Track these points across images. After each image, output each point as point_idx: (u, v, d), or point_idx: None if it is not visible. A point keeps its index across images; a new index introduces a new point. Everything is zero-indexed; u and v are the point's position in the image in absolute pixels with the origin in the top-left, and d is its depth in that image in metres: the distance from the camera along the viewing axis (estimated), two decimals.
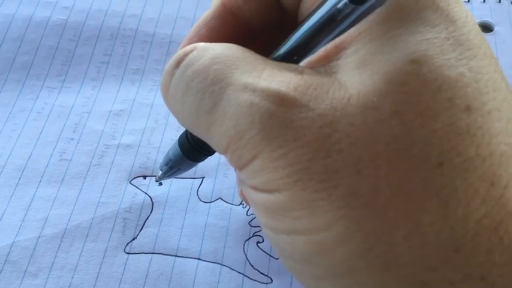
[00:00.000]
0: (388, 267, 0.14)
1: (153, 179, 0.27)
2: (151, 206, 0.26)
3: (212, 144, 0.17)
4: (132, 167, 0.27)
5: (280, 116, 0.14)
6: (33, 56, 0.31)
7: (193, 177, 0.27)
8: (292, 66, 0.16)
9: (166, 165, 0.23)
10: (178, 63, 0.17)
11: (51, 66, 0.30)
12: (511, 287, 0.13)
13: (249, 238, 0.25)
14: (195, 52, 0.16)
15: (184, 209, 0.26)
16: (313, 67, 0.15)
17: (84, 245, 0.24)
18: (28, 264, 0.23)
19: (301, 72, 0.15)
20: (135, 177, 0.27)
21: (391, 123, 0.14)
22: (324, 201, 0.14)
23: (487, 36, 0.33)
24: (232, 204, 0.26)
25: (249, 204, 0.25)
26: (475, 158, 0.13)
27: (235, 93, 0.15)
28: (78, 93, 0.29)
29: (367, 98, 0.14)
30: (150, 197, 0.26)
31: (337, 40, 0.15)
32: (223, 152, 0.16)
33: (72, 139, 0.28)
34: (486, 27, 0.34)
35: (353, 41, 0.15)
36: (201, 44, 0.17)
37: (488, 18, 0.34)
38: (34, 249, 0.24)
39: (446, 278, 0.13)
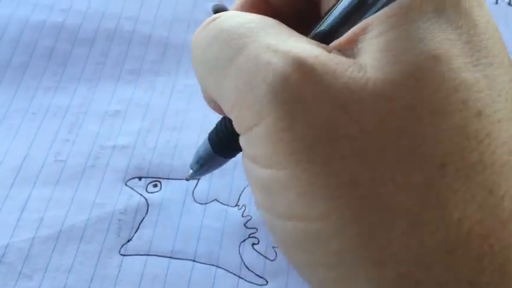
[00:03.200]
0: (383, 263, 0.14)
1: (148, 180, 0.27)
2: (146, 207, 0.26)
3: (221, 101, 0.16)
4: (128, 168, 0.27)
5: (294, 81, 0.14)
6: (30, 57, 0.31)
7: None
8: (322, 44, 0.15)
9: (197, 163, 0.23)
10: (213, 20, 0.17)
11: (47, 67, 0.30)
12: None
13: (245, 240, 0.25)
14: (231, 12, 0.16)
15: (179, 210, 0.26)
16: (341, 50, 0.15)
17: (79, 246, 0.24)
18: (23, 266, 0.23)
19: (327, 49, 0.15)
20: (130, 179, 0.27)
21: (403, 117, 0.13)
22: (324, 188, 0.13)
23: None
24: (227, 205, 0.26)
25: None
26: (478, 164, 0.13)
27: (257, 49, 0.15)
28: (74, 93, 0.29)
29: (383, 86, 0.13)
30: (145, 198, 0.26)
31: (364, 22, 0.15)
32: (230, 112, 0.16)
33: (68, 140, 0.27)
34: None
35: (380, 24, 0.15)
36: (236, 11, 0.17)
37: None
38: (29, 250, 0.24)
39: (439, 277, 0.13)
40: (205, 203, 0.26)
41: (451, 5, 0.15)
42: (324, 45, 0.15)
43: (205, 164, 0.22)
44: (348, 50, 0.15)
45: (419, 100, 0.13)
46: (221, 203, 0.26)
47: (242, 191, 0.27)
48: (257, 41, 0.15)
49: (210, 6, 0.35)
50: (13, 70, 0.30)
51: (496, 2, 0.35)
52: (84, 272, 0.23)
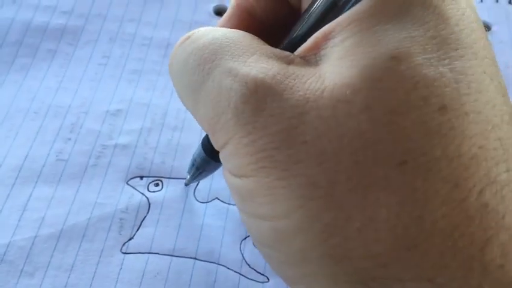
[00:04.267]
0: (341, 259, 0.14)
1: (150, 179, 0.27)
2: (148, 206, 0.26)
3: (198, 122, 0.17)
4: (129, 167, 0.27)
5: (253, 102, 0.15)
6: (32, 59, 0.31)
7: None
8: (286, 54, 0.16)
9: (193, 167, 0.23)
10: (186, 38, 0.17)
11: (49, 68, 0.31)
12: None
13: (246, 238, 0.25)
14: (201, 31, 0.17)
15: (181, 209, 0.26)
16: (305, 56, 0.16)
17: (80, 245, 0.24)
18: (24, 264, 0.23)
19: (289, 61, 0.15)
20: (132, 178, 0.27)
21: (359, 118, 0.14)
22: (285, 189, 0.14)
23: None
24: (229, 204, 0.26)
25: None
26: (441, 158, 0.13)
27: (220, 75, 0.16)
28: (76, 93, 0.30)
29: (341, 91, 0.14)
30: (146, 197, 0.26)
31: (326, 27, 0.15)
32: (207, 132, 0.17)
33: (69, 139, 0.28)
34: (483, 27, 0.34)
35: (342, 30, 0.15)
36: (210, 27, 0.17)
37: (485, 18, 0.34)
38: (30, 248, 0.24)
39: (396, 275, 0.13)
40: (207, 202, 0.26)
41: (418, 3, 0.15)
42: (288, 54, 0.16)
43: (200, 167, 0.23)
44: (311, 57, 0.15)
45: (377, 101, 0.14)
46: (222, 202, 0.26)
47: None
48: (220, 65, 0.16)
49: (211, 7, 0.35)
50: (15, 71, 0.30)
51: (497, 1, 0.35)
52: (86, 270, 0.23)
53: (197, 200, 0.26)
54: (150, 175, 0.27)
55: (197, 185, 0.27)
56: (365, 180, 0.13)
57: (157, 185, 0.27)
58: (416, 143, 0.13)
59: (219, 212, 0.26)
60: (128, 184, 0.26)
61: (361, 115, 0.13)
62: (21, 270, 0.23)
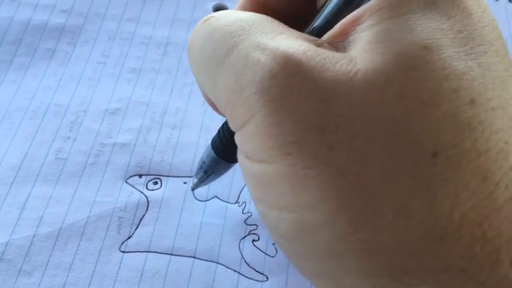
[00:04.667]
0: (371, 251, 0.14)
1: (149, 177, 0.27)
2: (146, 204, 0.26)
3: (216, 99, 0.16)
4: (128, 165, 0.27)
5: (281, 78, 0.14)
6: (31, 58, 0.31)
7: (189, 175, 0.27)
8: (313, 38, 0.15)
9: (201, 170, 0.23)
10: (207, 19, 0.17)
11: (48, 67, 0.31)
12: (490, 280, 0.13)
13: (245, 236, 0.25)
14: (224, 12, 0.17)
15: (179, 207, 0.26)
16: (332, 42, 0.15)
17: (79, 244, 0.24)
18: (23, 263, 0.23)
19: (318, 44, 0.15)
20: (130, 176, 0.27)
21: (393, 107, 0.13)
22: (313, 179, 0.14)
23: None
24: (228, 202, 0.26)
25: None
26: (471, 151, 0.13)
27: (247, 48, 0.15)
28: (75, 92, 0.30)
29: (374, 77, 0.14)
30: (145, 195, 0.26)
31: (355, 13, 0.15)
32: (224, 110, 0.16)
33: (68, 138, 0.28)
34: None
35: (371, 16, 0.15)
36: (231, 10, 0.17)
37: None
38: (29, 247, 0.24)
39: (427, 266, 0.13)
40: (206, 200, 0.26)
41: None
42: (315, 38, 0.15)
43: (209, 170, 0.22)
44: (339, 43, 0.15)
45: (409, 90, 0.13)
46: (221, 200, 0.26)
47: (242, 188, 0.27)
48: (247, 40, 0.15)
49: (210, 6, 0.35)
50: (14, 70, 0.30)
51: (497, 0, 0.35)
52: (85, 269, 0.23)
53: (196, 199, 0.26)
54: (149, 173, 0.27)
55: None
56: (397, 169, 0.13)
57: (156, 183, 0.27)
58: (448, 135, 0.13)
59: (218, 210, 0.26)
60: (126, 182, 0.26)
61: (395, 103, 0.13)
62: (20, 269, 0.23)
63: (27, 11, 0.33)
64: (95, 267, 0.24)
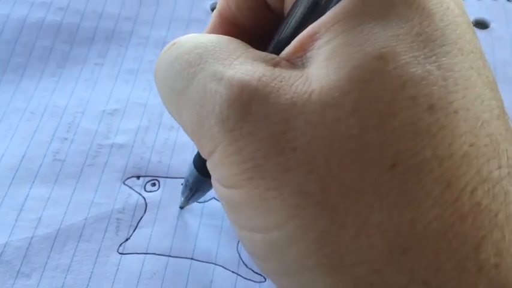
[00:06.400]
0: (336, 267, 0.14)
1: (147, 179, 0.27)
2: (144, 206, 0.26)
3: (183, 128, 0.17)
4: (126, 167, 0.27)
5: (238, 107, 0.14)
6: (28, 58, 0.31)
7: None
8: (272, 56, 0.15)
9: (186, 188, 0.23)
10: (171, 45, 0.17)
11: (45, 68, 0.30)
12: None
13: None
14: (186, 37, 0.17)
15: (177, 209, 0.26)
16: (290, 59, 0.15)
17: (77, 245, 0.24)
18: (21, 265, 0.23)
19: (275, 64, 0.15)
20: (128, 178, 0.27)
21: (348, 122, 0.13)
22: (276, 199, 0.14)
23: (483, 33, 0.33)
24: None
25: None
26: (432, 159, 0.13)
27: (205, 79, 0.15)
28: (72, 93, 0.29)
29: (328, 94, 0.13)
30: (143, 197, 0.26)
31: (310, 29, 0.15)
32: (192, 139, 0.16)
33: (66, 139, 0.28)
34: (482, 24, 0.33)
35: (326, 31, 0.14)
36: (194, 34, 0.17)
37: (484, 15, 0.34)
38: (27, 249, 0.24)
39: (392, 280, 0.13)
40: (204, 202, 0.26)
41: (401, 1, 0.14)
42: (274, 57, 0.15)
43: (193, 188, 0.23)
44: (298, 60, 0.15)
45: (365, 103, 0.13)
46: (219, 201, 0.26)
47: None
48: (204, 69, 0.15)
49: (208, 5, 0.35)
50: (11, 71, 0.30)
51: None
52: (83, 271, 0.24)
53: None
54: (147, 175, 0.27)
55: None
56: (356, 185, 0.13)
57: (154, 184, 0.27)
58: (406, 145, 0.13)
59: (216, 211, 0.26)
60: (124, 184, 0.26)
61: (350, 118, 0.13)
62: (18, 271, 0.23)
63: (24, 9, 0.32)
64: (93, 268, 0.24)
